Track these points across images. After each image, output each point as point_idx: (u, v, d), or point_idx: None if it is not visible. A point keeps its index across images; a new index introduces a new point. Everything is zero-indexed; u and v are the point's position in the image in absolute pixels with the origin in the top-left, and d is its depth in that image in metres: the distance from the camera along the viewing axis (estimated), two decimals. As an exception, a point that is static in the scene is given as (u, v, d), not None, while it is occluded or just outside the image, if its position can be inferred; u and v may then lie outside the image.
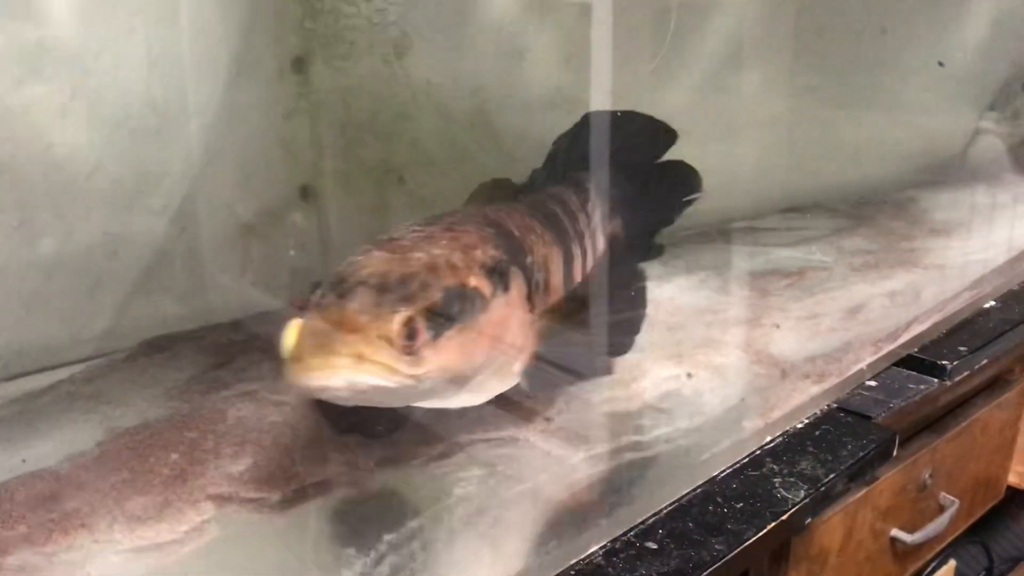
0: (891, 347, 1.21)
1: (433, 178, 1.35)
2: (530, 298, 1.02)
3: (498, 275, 0.96)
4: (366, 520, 0.90)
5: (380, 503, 0.93)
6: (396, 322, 0.83)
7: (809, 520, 0.97)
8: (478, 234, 0.99)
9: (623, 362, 1.13)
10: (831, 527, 1.08)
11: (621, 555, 0.86)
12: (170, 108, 1.18)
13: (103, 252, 1.19)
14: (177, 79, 1.18)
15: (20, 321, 1.16)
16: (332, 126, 1.30)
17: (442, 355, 0.87)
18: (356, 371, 0.82)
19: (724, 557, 0.86)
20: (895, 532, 1.21)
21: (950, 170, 1.93)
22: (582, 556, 0.86)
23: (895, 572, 1.25)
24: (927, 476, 1.24)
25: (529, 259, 1.05)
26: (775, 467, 1.00)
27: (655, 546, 0.87)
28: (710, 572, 0.85)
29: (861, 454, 1.02)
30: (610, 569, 0.84)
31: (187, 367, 1.16)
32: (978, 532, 1.54)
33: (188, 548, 0.85)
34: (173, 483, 0.93)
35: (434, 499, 0.91)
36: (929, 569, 1.37)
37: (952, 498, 1.30)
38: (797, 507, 0.93)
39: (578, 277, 1.20)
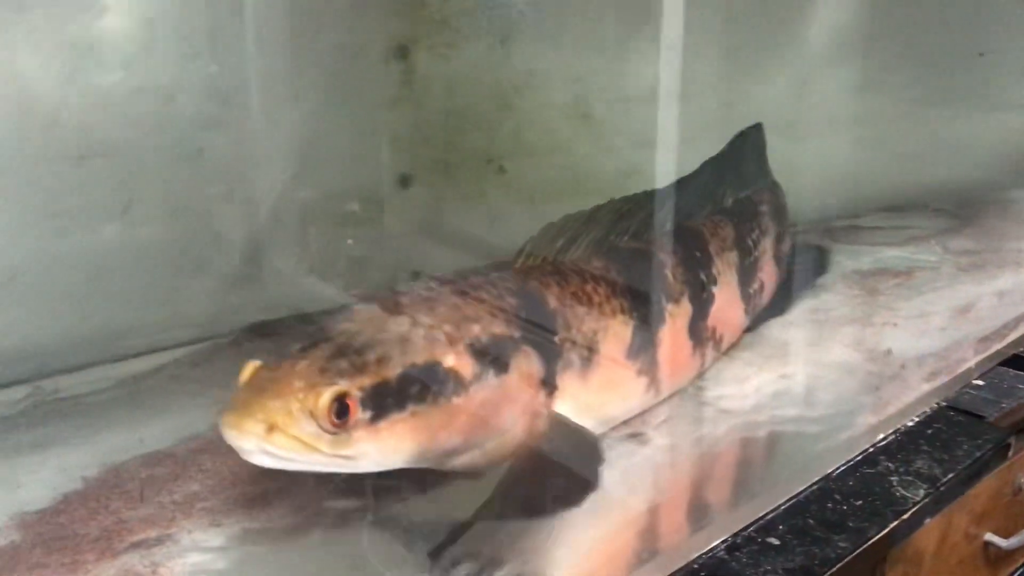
0: (999, 346, 1.20)
1: (533, 168, 1.34)
2: (550, 379, 0.92)
3: (493, 356, 0.87)
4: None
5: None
6: (324, 396, 0.76)
7: (929, 520, 0.96)
8: (491, 304, 0.91)
9: (736, 360, 1.15)
10: (927, 530, 1.05)
11: (744, 550, 0.85)
12: (273, 94, 1.19)
13: (205, 238, 1.20)
14: (281, 65, 1.19)
15: (122, 303, 1.18)
16: (434, 114, 1.29)
17: (382, 438, 0.79)
18: (266, 441, 0.75)
19: (849, 554, 0.85)
20: (989, 536, 1.18)
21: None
22: (704, 550, 0.85)
23: (988, 577, 1.23)
24: (1022, 480, 1.22)
25: (562, 335, 0.94)
26: (890, 465, 0.99)
27: (777, 542, 0.86)
28: (836, 570, 0.84)
29: (977, 454, 1.01)
30: (734, 564, 0.83)
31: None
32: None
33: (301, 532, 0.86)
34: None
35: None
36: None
37: (1048, 502, 1.28)
38: (918, 506, 0.92)
39: (718, 322, 1.12)
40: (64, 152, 1.10)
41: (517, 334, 0.89)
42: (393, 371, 0.79)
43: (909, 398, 1.08)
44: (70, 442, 1.00)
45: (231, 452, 0.91)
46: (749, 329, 1.24)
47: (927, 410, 1.09)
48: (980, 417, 1.08)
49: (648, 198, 1.11)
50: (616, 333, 1.00)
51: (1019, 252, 1.55)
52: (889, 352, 1.19)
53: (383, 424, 0.78)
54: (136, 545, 0.83)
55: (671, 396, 1.07)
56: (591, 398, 0.96)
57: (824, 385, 1.11)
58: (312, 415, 0.76)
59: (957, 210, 1.79)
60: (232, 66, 1.16)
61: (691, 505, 0.92)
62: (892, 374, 1.13)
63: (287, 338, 1.19)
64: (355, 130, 1.24)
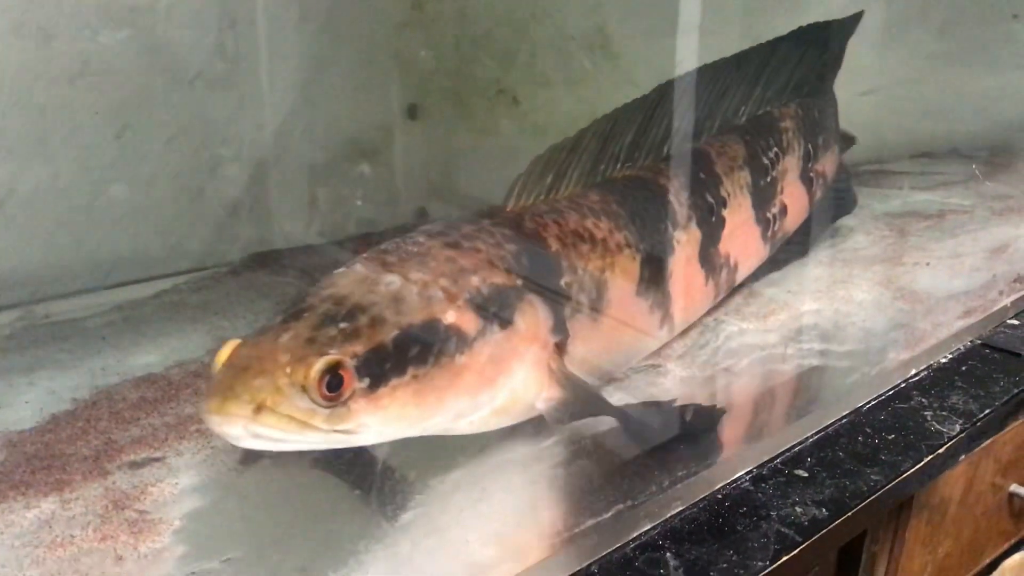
0: (1035, 285, 1.17)
1: (548, 100, 1.28)
2: (561, 325, 0.85)
3: (496, 308, 0.80)
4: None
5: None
6: (315, 368, 0.68)
7: (964, 456, 0.92)
8: (488, 252, 0.83)
9: (759, 296, 1.10)
10: (954, 476, 1.01)
11: (770, 481, 0.81)
12: (277, 17, 1.14)
13: (205, 165, 1.16)
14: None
15: (119, 229, 1.13)
16: (445, 41, 1.24)
17: (383, 407, 0.72)
18: (254, 422, 0.68)
19: (882, 487, 0.81)
20: (1014, 487, 1.14)
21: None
22: (728, 480, 0.81)
23: (1009, 530, 1.19)
24: (1051, 433, 1.18)
25: (568, 279, 0.88)
26: (924, 400, 0.94)
27: (805, 474, 0.82)
28: (868, 502, 0.80)
29: (1015, 390, 0.96)
30: (760, 495, 0.79)
31: (293, 281, 1.12)
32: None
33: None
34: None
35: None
36: (1037, 534, 1.32)
37: (1074, 456, 1.25)
38: (954, 440, 0.88)
39: (732, 248, 1.06)
40: (57, 72, 1.06)
41: (520, 282, 0.83)
42: (388, 333, 0.72)
43: (941, 335, 1.04)
44: (61, 365, 0.97)
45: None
46: (783, 258, 1.18)
47: (961, 347, 1.05)
48: (1017, 355, 1.04)
49: (635, 111, 1.00)
50: (624, 269, 0.93)
51: None
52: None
53: (383, 391, 0.71)
54: (125, 466, 0.79)
55: (688, 329, 1.03)
56: (605, 341, 0.90)
57: (853, 322, 1.06)
58: (304, 389, 0.68)
59: (991, 157, 1.74)
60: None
61: (714, 435, 0.87)
62: (923, 311, 1.09)
63: (289, 269, 1.17)
64: (361, 57, 1.19)
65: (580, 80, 1.29)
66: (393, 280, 0.77)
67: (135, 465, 0.79)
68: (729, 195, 1.07)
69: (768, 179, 1.13)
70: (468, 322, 0.77)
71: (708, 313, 1.06)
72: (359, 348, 0.71)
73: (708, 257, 1.02)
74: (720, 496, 0.79)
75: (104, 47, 1.07)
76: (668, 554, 0.72)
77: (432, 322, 0.75)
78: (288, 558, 0.69)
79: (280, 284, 1.11)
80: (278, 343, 0.71)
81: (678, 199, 1.01)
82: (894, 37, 1.25)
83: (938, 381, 0.98)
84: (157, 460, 0.80)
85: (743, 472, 0.82)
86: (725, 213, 1.06)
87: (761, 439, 0.86)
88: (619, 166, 0.98)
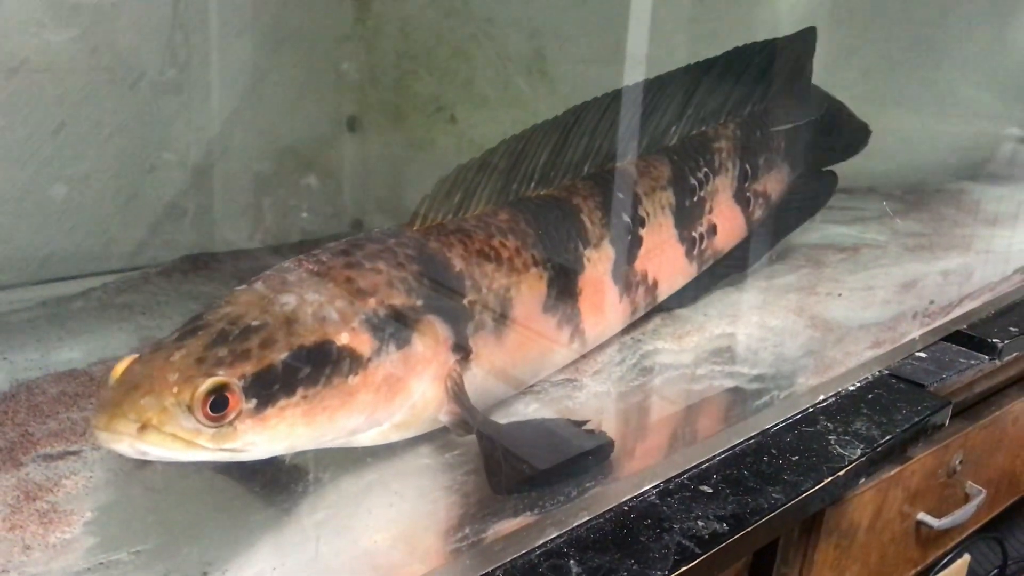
0: (942, 321, 1.20)
1: (485, 120, 1.31)
2: (463, 343, 0.87)
3: (393, 329, 0.81)
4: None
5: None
6: (200, 389, 0.70)
7: (863, 480, 0.95)
8: (388, 274, 0.84)
9: (676, 317, 1.12)
10: (863, 501, 1.05)
11: (675, 496, 0.83)
12: (219, 26, 1.16)
13: (141, 167, 1.16)
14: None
15: (50, 226, 1.13)
16: (387, 56, 1.25)
17: (270, 426, 0.73)
18: (140, 441, 0.69)
19: (782, 506, 0.84)
20: (922, 516, 1.18)
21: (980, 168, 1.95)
22: (636, 493, 0.83)
23: (916, 558, 1.22)
24: (957, 462, 1.21)
25: (471, 297, 0.89)
26: (829, 424, 0.97)
27: (710, 490, 0.85)
28: (767, 519, 0.82)
29: (916, 419, 1.00)
30: (665, 508, 0.82)
31: (223, 284, 1.12)
32: (994, 528, 1.53)
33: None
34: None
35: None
36: (944, 562, 1.36)
37: (979, 487, 1.28)
38: (854, 464, 0.91)
39: (650, 266, 1.07)
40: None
41: (420, 302, 0.84)
42: (278, 355, 0.74)
43: (849, 364, 1.07)
44: (-22, 357, 0.98)
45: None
46: (720, 274, 1.21)
47: (869, 376, 1.08)
48: (921, 385, 1.07)
49: (550, 131, 1.02)
50: (531, 287, 0.95)
51: (964, 237, 1.57)
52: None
53: (270, 411, 0.73)
54: (40, 458, 0.80)
55: (604, 344, 1.05)
56: (509, 357, 0.92)
57: (765, 346, 1.09)
58: (189, 409, 0.70)
59: (906, 195, 1.80)
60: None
61: (623, 449, 0.89)
62: (833, 340, 1.12)
63: (220, 273, 1.18)
64: (303, 67, 1.21)
65: (517, 101, 1.32)
66: (289, 300, 0.78)
67: (50, 458, 0.79)
68: (648, 215, 1.09)
69: (695, 199, 1.15)
70: (362, 343, 0.79)
71: (626, 331, 1.08)
72: (248, 369, 0.72)
73: (623, 275, 1.04)
74: (626, 508, 0.81)
75: (46, 44, 1.08)
76: (572, 561, 0.74)
77: (325, 344, 0.77)
78: (195, 552, 0.69)
79: (210, 287, 1.11)
80: (168, 362, 0.72)
81: (591, 218, 1.02)
82: (819, 77, 1.29)
83: (844, 407, 1.01)
84: (73, 454, 0.80)
85: (650, 486, 0.84)
86: (643, 232, 1.08)
87: (669, 455, 0.88)
88: (533, 185, 1.00)
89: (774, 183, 1.29)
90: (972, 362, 1.16)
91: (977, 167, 1.91)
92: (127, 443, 0.69)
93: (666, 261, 1.12)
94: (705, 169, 1.18)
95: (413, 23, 1.26)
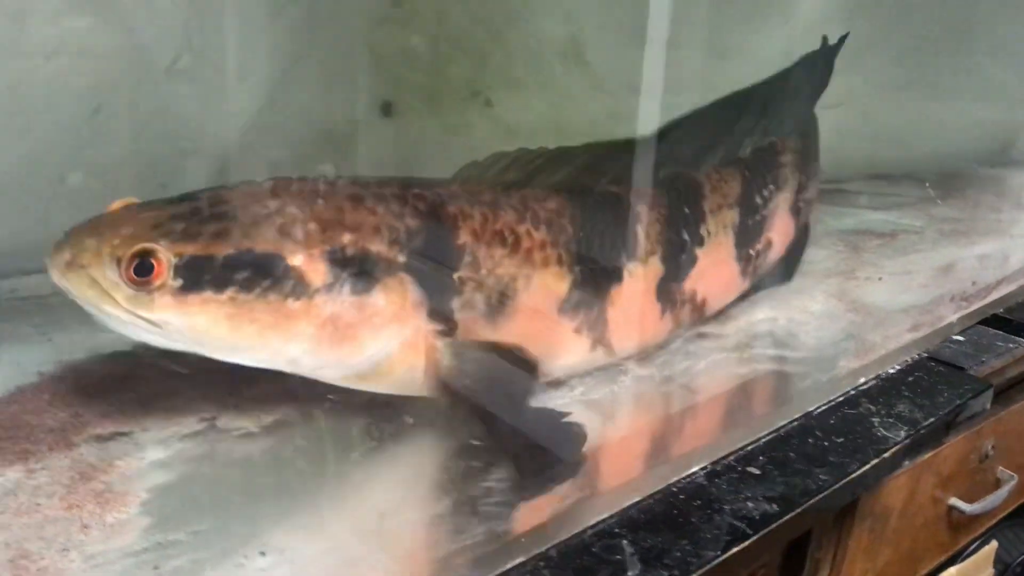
0: (979, 304, 1.21)
1: (521, 104, 1.30)
2: (445, 316, 0.83)
3: (356, 271, 0.79)
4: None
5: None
6: (133, 249, 0.73)
7: (908, 462, 0.95)
8: (380, 218, 0.82)
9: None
10: (897, 486, 1.04)
11: (723, 477, 0.84)
12: (252, 7, 1.15)
13: (176, 151, 1.16)
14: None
15: (89, 210, 1.13)
16: (423, 39, 1.25)
17: (189, 313, 0.74)
18: (65, 275, 0.74)
19: (830, 487, 0.84)
20: (953, 501, 1.18)
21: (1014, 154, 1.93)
22: (684, 475, 0.83)
23: (947, 543, 1.23)
24: (989, 447, 1.22)
25: (465, 273, 0.85)
26: (871, 407, 0.98)
27: (758, 471, 0.85)
28: (817, 500, 0.83)
29: (958, 401, 1.01)
30: (713, 490, 0.82)
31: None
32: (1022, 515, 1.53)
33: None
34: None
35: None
36: (972, 548, 1.36)
37: (1011, 473, 1.28)
38: (899, 445, 0.92)
39: (701, 286, 1.02)
40: (33, 48, 1.06)
41: (401, 258, 0.81)
42: (223, 249, 0.75)
43: (890, 346, 1.08)
44: (27, 339, 0.96)
45: (197, 357, 0.89)
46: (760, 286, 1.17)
47: (909, 359, 1.09)
48: (960, 368, 1.08)
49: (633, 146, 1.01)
50: (545, 284, 0.91)
51: (999, 222, 1.58)
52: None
53: (192, 298, 0.74)
54: (92, 439, 0.80)
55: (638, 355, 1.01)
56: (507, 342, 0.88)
57: (807, 331, 1.10)
58: (118, 263, 0.73)
59: (942, 181, 1.80)
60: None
61: (670, 432, 0.90)
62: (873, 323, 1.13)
63: None
64: (338, 51, 1.20)
65: (551, 85, 1.32)
66: (272, 206, 0.78)
67: (101, 439, 0.79)
68: (710, 234, 1.05)
69: (758, 217, 1.13)
70: (315, 272, 0.77)
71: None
72: (188, 249, 0.74)
73: (668, 293, 1.00)
74: (675, 489, 0.81)
75: (83, 27, 1.08)
76: (624, 541, 0.74)
77: (273, 256, 0.76)
78: (252, 532, 0.69)
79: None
80: (135, 218, 0.76)
81: (648, 231, 0.98)
82: (852, 63, 1.28)
83: (886, 390, 1.02)
84: (124, 435, 0.80)
85: (698, 467, 0.84)
86: (699, 252, 1.04)
87: (716, 437, 0.89)
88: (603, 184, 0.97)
89: (815, 189, 1.27)
90: (1010, 345, 1.16)
91: (1011, 153, 1.90)
92: (57, 274, 0.74)
93: (719, 280, 1.09)
94: (771, 186, 1.16)
95: (449, 5, 1.26)
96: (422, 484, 0.79)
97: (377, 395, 0.85)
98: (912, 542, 1.11)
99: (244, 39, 1.17)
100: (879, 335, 1.10)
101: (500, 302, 0.88)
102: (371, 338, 0.80)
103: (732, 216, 1.08)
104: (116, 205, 0.77)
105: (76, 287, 0.74)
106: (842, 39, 1.27)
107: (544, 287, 0.90)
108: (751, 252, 1.12)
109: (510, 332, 0.88)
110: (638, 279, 0.97)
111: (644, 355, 1.00)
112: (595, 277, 0.94)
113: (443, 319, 0.83)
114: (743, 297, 1.15)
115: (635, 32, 1.29)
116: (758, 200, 1.12)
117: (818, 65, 1.25)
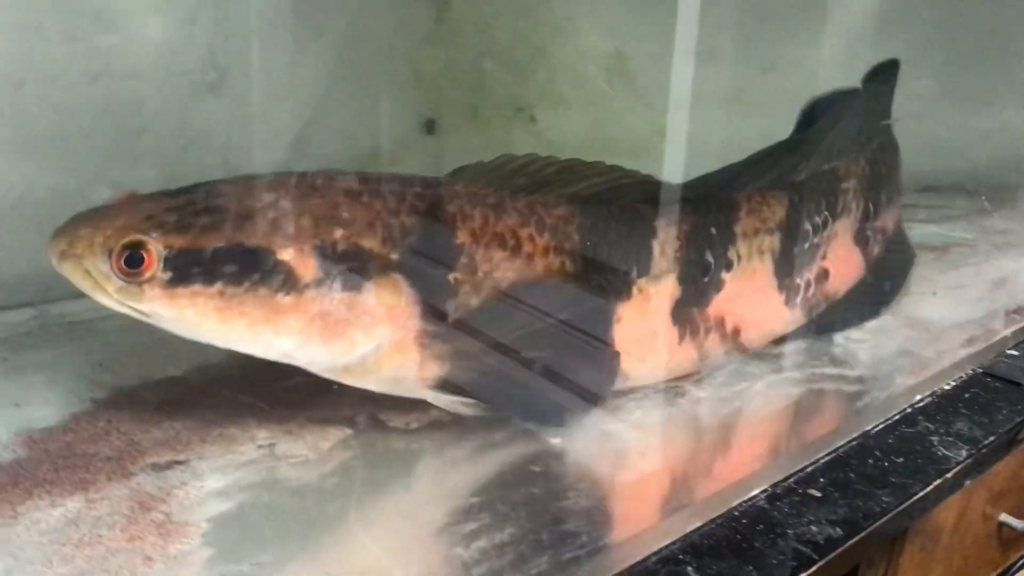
0: (1034, 318, 1.20)
1: (565, 120, 1.30)
2: (437, 317, 0.82)
3: (347, 267, 0.79)
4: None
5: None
6: (123, 240, 0.75)
7: (969, 482, 0.94)
8: (375, 215, 0.81)
9: None
10: (949, 503, 1.03)
11: (784, 500, 0.83)
12: (296, 27, 1.15)
13: (221, 171, 1.16)
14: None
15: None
16: (466, 57, 1.25)
17: (179, 305, 0.76)
18: (60, 264, 0.77)
19: (894, 509, 0.83)
20: (1004, 517, 1.16)
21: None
22: (745, 498, 0.82)
23: (996, 560, 1.21)
24: (1040, 462, 1.21)
25: (459, 275, 0.83)
26: (929, 425, 0.97)
27: (819, 493, 0.84)
28: (882, 523, 0.81)
29: (1018, 419, 0.99)
30: (775, 513, 0.81)
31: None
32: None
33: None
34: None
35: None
36: (1021, 564, 1.34)
37: (1061, 489, 1.27)
38: (961, 465, 0.90)
39: (731, 313, 0.98)
40: (79, 70, 1.06)
41: (395, 256, 0.80)
42: (213, 242, 0.76)
43: (945, 362, 1.06)
44: (78, 366, 0.96)
45: (250, 382, 0.88)
46: (829, 327, 1.11)
47: (963, 375, 1.08)
48: (1017, 384, 1.07)
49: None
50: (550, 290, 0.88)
51: None
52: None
53: (181, 291, 0.75)
54: (149, 467, 0.79)
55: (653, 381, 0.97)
56: None
57: (863, 348, 1.09)
58: (109, 254, 0.75)
59: (992, 193, 1.75)
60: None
61: (729, 454, 0.89)
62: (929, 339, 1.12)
63: None
64: (382, 68, 1.20)
65: (596, 101, 1.31)
66: (265, 199, 0.79)
67: (158, 467, 0.79)
68: (740, 258, 1.00)
69: (806, 245, 1.07)
70: (305, 267, 0.78)
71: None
72: (178, 242, 0.75)
73: (687, 317, 0.96)
74: (737, 513, 0.80)
75: (128, 49, 1.08)
76: (690, 568, 0.73)
77: (263, 251, 0.77)
78: (316, 562, 0.69)
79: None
80: (133, 208, 0.77)
81: (662, 248, 0.94)
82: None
83: (943, 407, 1.00)
84: (180, 463, 0.80)
85: (758, 491, 0.83)
86: (727, 276, 0.99)
87: (775, 459, 0.88)
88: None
89: (891, 218, 1.23)
90: (1067, 359, 1.15)
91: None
92: (54, 259, 0.76)
93: (755, 309, 1.04)
94: (826, 213, 1.10)
95: (492, 20, 1.25)
96: (484, 510, 0.77)
97: (436, 419, 0.85)
98: (963, 560, 1.10)
99: (287, 59, 1.17)
100: (933, 350, 1.09)
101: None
102: (362, 336, 0.80)
103: (770, 242, 1.03)
104: (120, 195, 0.79)
105: (72, 275, 0.76)
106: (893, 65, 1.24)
107: (547, 291, 0.88)
108: (798, 281, 1.07)
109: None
110: (648, 297, 0.93)
111: (666, 381, 0.97)
112: (600, 290, 0.91)
113: (437, 320, 0.82)
114: (812, 332, 1.10)
115: (680, 46, 1.29)
116: (807, 226, 1.07)
117: (881, 94, 1.22)
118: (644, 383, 0.96)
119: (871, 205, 1.16)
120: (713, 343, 1.00)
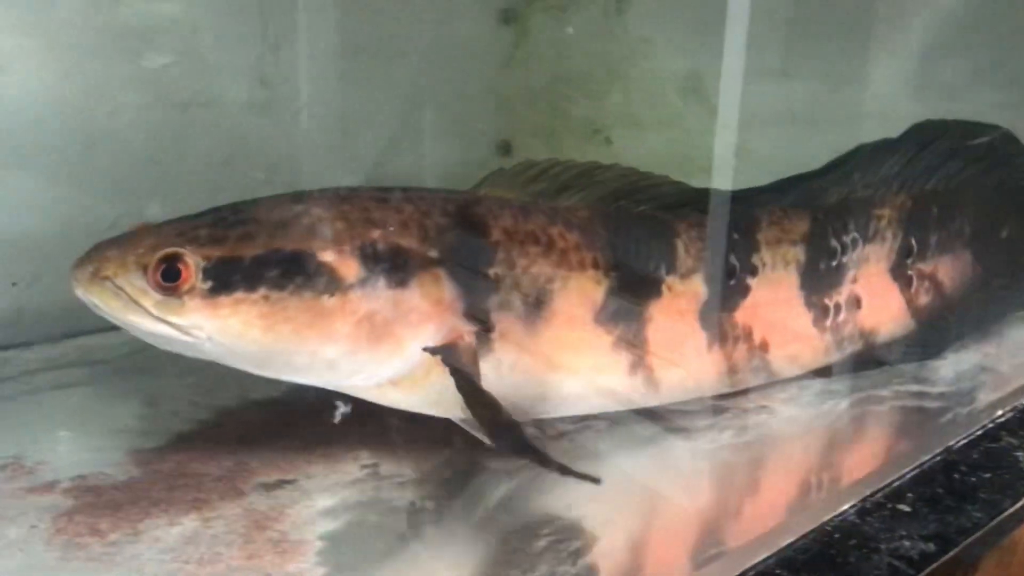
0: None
1: (641, 141, 1.32)
2: (480, 313, 0.82)
3: (389, 266, 0.78)
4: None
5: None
6: (158, 254, 0.75)
7: (1058, 498, 0.94)
8: (408, 216, 0.81)
9: None
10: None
11: (875, 515, 0.83)
12: (376, 51, 1.18)
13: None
14: (386, 20, 1.17)
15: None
16: (542, 79, 1.28)
17: (221, 316, 0.75)
18: (87, 288, 0.75)
19: (986, 525, 0.83)
20: (1082, 533, 1.17)
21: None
22: (835, 513, 0.83)
23: (1074, 575, 1.21)
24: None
25: (498, 270, 0.83)
26: (1013, 440, 0.97)
27: (908, 508, 0.84)
28: (975, 539, 0.82)
29: (1101, 434, 1.00)
30: (867, 528, 0.81)
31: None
32: None
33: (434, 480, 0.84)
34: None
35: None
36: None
37: None
38: (1050, 481, 0.91)
39: (760, 324, 0.96)
40: (167, 99, 1.10)
41: (433, 253, 0.81)
42: (251, 250, 0.76)
43: (1025, 378, 1.08)
44: (173, 388, 0.99)
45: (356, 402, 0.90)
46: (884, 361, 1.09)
47: (1046, 391, 1.09)
48: (1099, 399, 1.07)
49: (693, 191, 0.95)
50: (581, 287, 0.87)
51: None
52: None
53: (223, 299, 0.75)
54: (259, 487, 0.82)
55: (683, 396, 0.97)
56: (546, 351, 0.86)
57: (944, 364, 1.10)
58: (144, 270, 0.74)
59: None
60: (332, 22, 1.15)
61: (819, 469, 0.91)
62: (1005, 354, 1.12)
63: None
64: (457, 93, 1.23)
65: (671, 122, 1.32)
66: (297, 210, 0.79)
67: (268, 487, 0.82)
68: (764, 265, 0.99)
69: (833, 263, 1.04)
70: (347, 267, 0.78)
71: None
72: (215, 253, 0.75)
73: (715, 321, 0.96)
74: (829, 528, 0.81)
75: (214, 79, 1.12)
76: (788, 583, 0.75)
77: (303, 253, 0.78)
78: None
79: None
80: (161, 230, 0.77)
81: (687, 247, 0.93)
82: (963, 93, 1.26)
83: (1024, 422, 1.02)
84: (289, 482, 0.82)
85: (848, 505, 0.84)
86: (751, 281, 0.98)
87: (863, 474, 0.89)
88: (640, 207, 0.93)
89: (948, 270, 1.17)
90: None
91: None
92: (81, 290, 0.75)
93: (783, 322, 1.02)
94: (854, 234, 1.07)
95: (568, 44, 1.28)
96: (576, 528, 0.79)
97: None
98: (1040, 574, 1.10)
99: (367, 85, 1.20)
100: (1009, 365, 1.10)
101: (538, 304, 0.85)
102: (410, 335, 0.80)
103: (794, 253, 1.01)
104: (132, 227, 0.79)
105: (100, 298, 0.76)
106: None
107: (580, 290, 0.87)
108: (826, 302, 1.04)
109: (549, 337, 0.86)
110: (677, 295, 0.92)
111: (695, 398, 0.97)
112: (632, 287, 0.90)
113: (481, 321, 0.83)
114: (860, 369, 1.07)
115: (755, 65, 1.30)
116: (832, 244, 1.04)
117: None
118: (677, 394, 0.95)
119: (912, 242, 1.12)
120: (741, 354, 0.98)
